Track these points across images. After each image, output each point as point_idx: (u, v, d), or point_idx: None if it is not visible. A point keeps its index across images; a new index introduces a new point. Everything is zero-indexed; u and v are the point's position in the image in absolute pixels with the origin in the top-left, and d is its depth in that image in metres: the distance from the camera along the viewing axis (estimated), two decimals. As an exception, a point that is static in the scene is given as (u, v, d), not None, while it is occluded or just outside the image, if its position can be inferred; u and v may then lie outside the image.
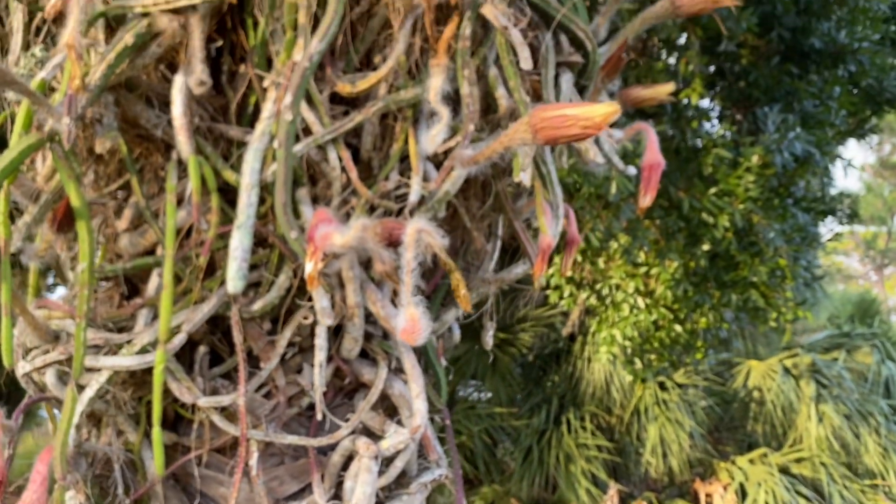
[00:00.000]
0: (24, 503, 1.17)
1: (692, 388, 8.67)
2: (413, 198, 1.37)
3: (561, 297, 6.19)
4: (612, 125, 1.91)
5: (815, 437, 8.30)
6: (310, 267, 1.09)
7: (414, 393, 1.48)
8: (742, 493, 8.30)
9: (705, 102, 5.48)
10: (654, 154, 1.70)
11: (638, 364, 6.54)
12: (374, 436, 1.49)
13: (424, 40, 1.32)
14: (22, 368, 1.42)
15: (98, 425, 1.50)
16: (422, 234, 1.07)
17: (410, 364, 1.51)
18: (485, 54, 1.44)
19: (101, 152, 1.26)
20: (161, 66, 1.30)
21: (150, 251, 1.40)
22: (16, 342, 1.45)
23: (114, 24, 1.27)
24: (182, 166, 1.28)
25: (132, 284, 1.49)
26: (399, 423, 1.50)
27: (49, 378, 1.39)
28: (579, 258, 6.00)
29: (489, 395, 9.40)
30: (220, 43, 1.34)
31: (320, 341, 1.38)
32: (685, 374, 8.76)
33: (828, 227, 7.93)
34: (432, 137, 1.31)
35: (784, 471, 8.29)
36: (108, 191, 1.42)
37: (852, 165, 5.86)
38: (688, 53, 4.46)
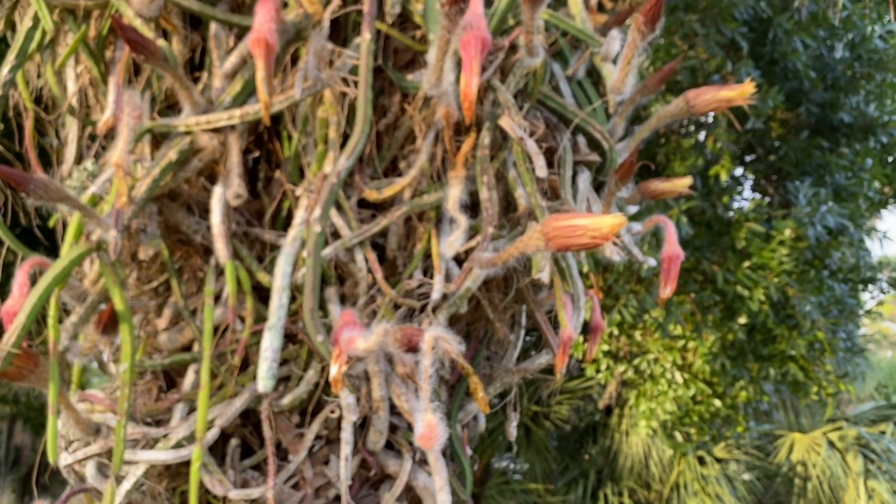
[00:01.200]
0: None
1: (733, 462, 8.43)
2: (435, 296, 1.43)
3: (598, 371, 6.16)
4: (632, 218, 1.97)
5: (865, 518, 7.98)
6: (334, 370, 1.15)
7: (438, 485, 1.51)
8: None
9: (737, 174, 5.52)
10: (672, 246, 1.75)
11: (678, 437, 6.42)
12: (399, 528, 1.52)
13: (445, 150, 1.40)
14: (64, 460, 1.49)
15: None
16: (439, 342, 1.13)
17: (434, 456, 1.54)
18: (504, 157, 1.52)
19: (144, 258, 1.36)
20: (201, 178, 1.40)
21: (188, 347, 1.48)
22: (58, 434, 1.53)
23: (159, 138, 1.39)
24: (219, 269, 1.37)
25: (169, 378, 1.56)
26: (423, 515, 1.53)
27: (89, 470, 1.46)
28: (615, 331, 5.99)
29: (525, 466, 9.24)
30: (256, 154, 1.44)
31: (346, 435, 1.43)
32: (725, 447, 8.54)
33: (871, 296, 7.79)
34: (451, 243, 1.38)
35: (834, 552, 7.94)
36: (148, 289, 1.51)
37: (888, 237, 5.81)
38: (715, 131, 4.53)
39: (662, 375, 5.89)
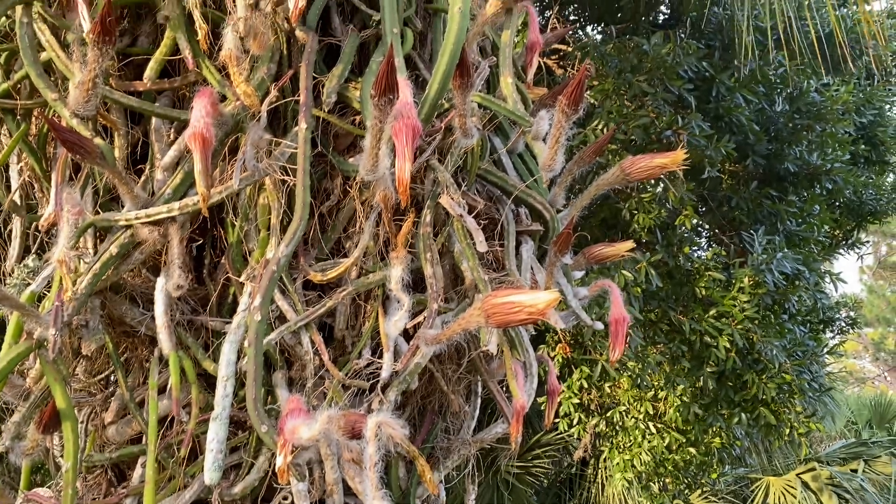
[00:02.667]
0: None
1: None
2: (384, 374, 1.44)
3: (570, 425, 6.13)
4: (580, 283, 2.01)
5: (842, 556, 7.97)
6: (280, 460, 1.14)
7: (396, 567, 1.49)
8: None
9: (693, 225, 5.65)
10: (618, 309, 1.78)
11: (654, 488, 6.39)
12: None
13: (388, 232, 1.43)
14: (8, 564, 1.44)
15: None
16: (382, 427, 1.13)
17: (391, 538, 1.52)
18: (448, 232, 1.56)
19: (86, 353, 1.35)
20: (144, 269, 1.41)
21: (137, 439, 1.46)
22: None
23: (102, 232, 1.39)
24: (164, 360, 1.36)
25: (119, 470, 1.54)
26: None
27: (34, 574, 1.41)
28: (585, 384, 6.00)
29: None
30: (200, 241, 1.46)
31: (300, 521, 1.41)
32: (702, 495, 8.50)
33: (832, 335, 7.94)
34: (395, 323, 1.39)
35: None
36: (95, 382, 1.50)
37: (840, 279, 5.95)
38: (674, 183, 4.65)
39: (636, 427, 5.90)
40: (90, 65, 1.21)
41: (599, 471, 8.58)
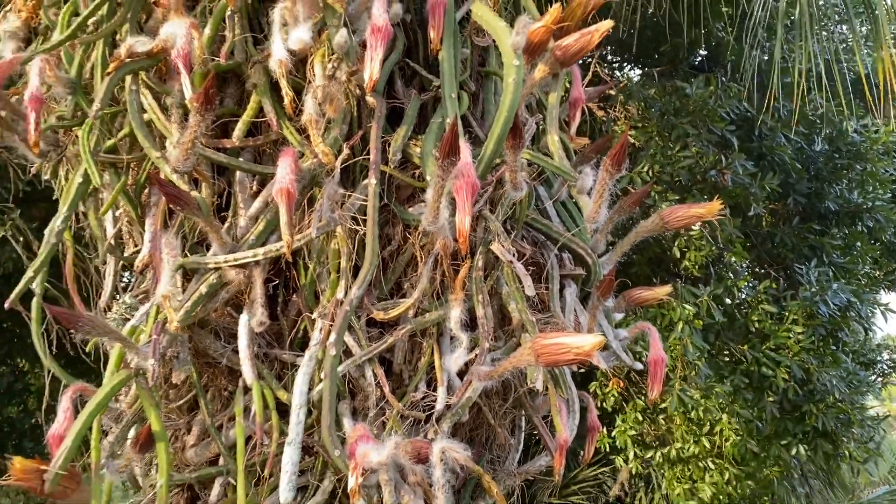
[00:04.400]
0: None
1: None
2: (439, 406, 1.57)
3: (626, 460, 6.10)
4: (618, 325, 2.13)
5: None
6: (352, 482, 1.28)
7: (447, 587, 1.61)
8: None
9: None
10: (657, 351, 1.89)
11: None
12: None
13: (444, 275, 1.58)
14: (97, 572, 1.59)
15: None
16: (446, 452, 1.27)
17: (443, 559, 1.64)
18: (497, 276, 1.69)
19: (176, 382, 1.51)
20: (227, 307, 1.57)
21: (213, 461, 1.61)
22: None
23: (189, 272, 1.56)
24: (246, 389, 1.52)
25: (193, 491, 1.69)
26: None
27: (121, 581, 1.56)
28: (640, 417, 6.03)
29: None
30: (276, 282, 1.62)
31: (360, 540, 1.54)
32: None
33: (875, 376, 7.84)
34: (455, 359, 1.53)
35: None
36: (176, 408, 1.66)
37: (890, 310, 5.93)
38: (722, 222, 4.75)
39: (694, 462, 5.86)
40: (191, 128, 1.39)
41: (634, 512, 8.50)
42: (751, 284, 5.39)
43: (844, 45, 5.59)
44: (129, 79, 1.52)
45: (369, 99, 1.54)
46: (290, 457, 1.40)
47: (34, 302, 1.62)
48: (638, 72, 7.52)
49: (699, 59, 6.42)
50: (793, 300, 4.89)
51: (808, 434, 5.09)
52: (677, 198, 4.99)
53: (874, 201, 5.29)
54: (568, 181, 1.68)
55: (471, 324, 1.65)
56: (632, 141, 5.38)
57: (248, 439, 1.53)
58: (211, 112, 1.37)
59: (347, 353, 1.58)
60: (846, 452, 5.15)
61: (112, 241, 1.70)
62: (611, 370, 5.41)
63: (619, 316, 2.11)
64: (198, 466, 1.62)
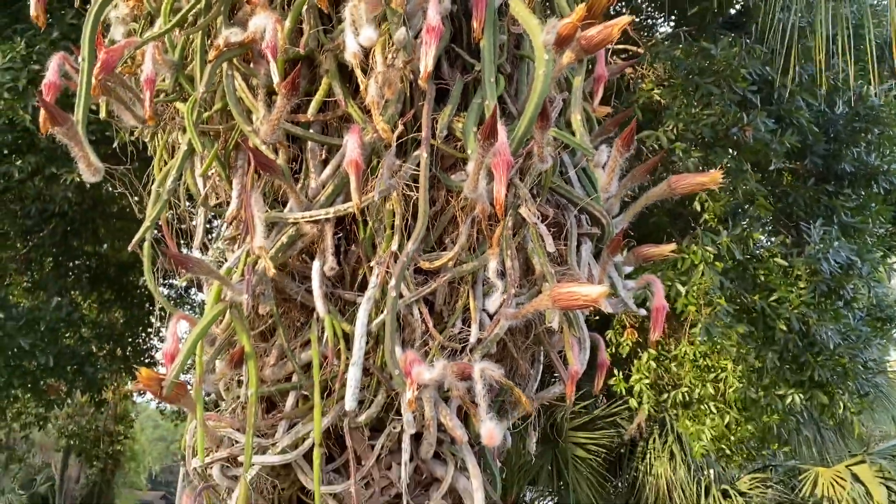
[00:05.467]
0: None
1: (757, 497, 8.65)
2: (472, 340, 1.92)
3: (639, 403, 6.47)
4: (627, 277, 2.45)
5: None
6: (409, 394, 1.64)
7: (475, 486, 1.98)
8: None
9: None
10: (659, 299, 2.21)
11: (727, 451, 6.66)
12: (445, 519, 1.99)
13: (479, 231, 1.90)
14: (193, 464, 1.99)
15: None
16: (485, 371, 1.62)
17: (472, 464, 2.01)
18: (524, 234, 2.02)
19: (261, 313, 1.87)
20: (302, 254, 1.91)
21: (287, 378, 1.98)
22: (187, 445, 2.04)
23: (270, 225, 1.90)
24: (317, 320, 1.87)
25: (270, 402, 2.06)
26: (463, 509, 1.99)
27: (214, 471, 1.95)
28: (653, 364, 6.39)
29: (554, 501, 9.53)
30: (340, 234, 1.96)
31: (405, 445, 1.91)
32: (749, 482, 8.76)
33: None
34: (493, 302, 1.87)
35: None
36: (256, 334, 2.03)
37: (894, 269, 6.14)
38: (744, 176, 4.98)
39: (699, 406, 6.21)
40: (279, 108, 1.71)
41: (649, 452, 8.93)
42: (764, 239, 5.63)
43: (874, 8, 5.70)
44: (224, 64, 1.83)
45: (421, 83, 1.84)
46: (354, 375, 1.76)
47: (145, 246, 1.97)
48: (669, 25, 7.62)
49: (729, 19, 6.54)
50: (798, 257, 5.15)
51: (804, 384, 5.40)
52: (700, 154, 5.21)
53: (890, 164, 5.47)
54: (587, 156, 1.98)
55: (500, 273, 1.98)
56: (658, 98, 5.58)
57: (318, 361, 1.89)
58: (295, 96, 1.69)
59: (400, 294, 1.92)
60: (840, 403, 5.46)
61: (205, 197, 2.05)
62: (627, 321, 5.72)
63: (628, 269, 2.43)
64: (274, 382, 1.99)
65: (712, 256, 5.08)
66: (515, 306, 1.95)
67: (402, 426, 1.90)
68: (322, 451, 1.98)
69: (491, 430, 1.56)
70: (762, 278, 5.19)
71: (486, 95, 1.88)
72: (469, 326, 1.95)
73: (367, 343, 1.86)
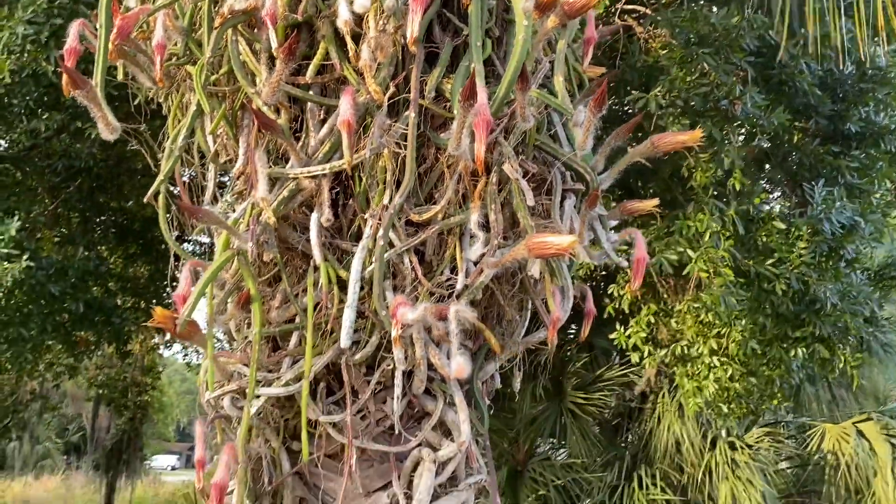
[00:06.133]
0: (217, 478, 1.91)
1: (764, 449, 8.83)
2: (458, 287, 2.09)
3: (641, 358, 6.65)
4: (614, 229, 2.59)
5: (893, 500, 8.33)
6: (394, 332, 1.82)
7: (461, 419, 2.17)
8: (814, 552, 8.36)
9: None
10: (640, 251, 2.36)
11: (724, 409, 6.86)
12: (435, 448, 2.19)
13: (465, 187, 2.06)
14: (207, 396, 2.20)
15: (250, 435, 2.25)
16: (459, 313, 1.79)
17: (459, 399, 2.20)
18: (510, 189, 2.17)
19: (266, 260, 2.05)
20: (302, 207, 2.09)
21: (291, 320, 2.17)
22: (200, 380, 2.25)
23: (273, 180, 2.07)
24: (315, 268, 2.05)
25: (276, 341, 2.26)
26: (451, 440, 2.19)
27: (225, 402, 2.16)
28: (652, 319, 6.55)
29: (566, 452, 9.79)
30: (337, 189, 2.12)
31: (398, 381, 2.10)
32: (756, 436, 8.94)
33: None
34: (474, 251, 2.03)
35: (858, 534, 8.31)
36: (263, 280, 2.21)
37: None
38: (725, 150, 5.04)
39: (700, 360, 6.38)
40: (278, 72, 1.87)
41: (658, 405, 9.13)
42: (765, 202, 5.71)
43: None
44: (230, 30, 1.98)
45: (411, 47, 1.98)
46: (349, 316, 1.94)
47: (160, 198, 2.15)
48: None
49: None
50: (801, 217, 5.24)
51: (806, 339, 5.52)
52: (688, 122, 5.24)
53: (897, 123, 5.50)
54: (567, 115, 2.12)
55: (487, 226, 2.14)
56: (657, 58, 5.59)
57: (316, 305, 2.07)
58: (292, 61, 1.84)
59: (391, 245, 2.09)
60: (841, 357, 5.58)
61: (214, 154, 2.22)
62: (630, 276, 5.85)
63: (613, 222, 2.57)
64: (279, 324, 2.18)
65: (718, 227, 5.18)
66: (500, 256, 2.11)
67: (394, 364, 2.08)
68: (323, 386, 2.19)
69: (460, 364, 1.73)
70: (763, 240, 5.29)
71: (473, 58, 2.02)
72: (457, 275, 2.12)
73: (362, 289, 2.04)
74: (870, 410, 9.58)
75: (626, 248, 2.76)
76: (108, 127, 1.82)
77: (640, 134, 5.73)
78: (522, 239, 2.21)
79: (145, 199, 2.09)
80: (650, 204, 2.51)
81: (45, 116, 6.45)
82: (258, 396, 2.07)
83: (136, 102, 2.45)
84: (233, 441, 2.04)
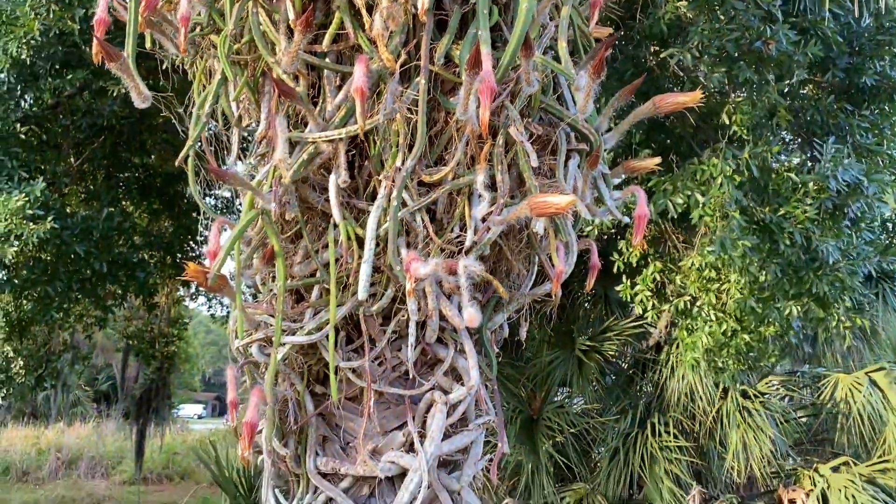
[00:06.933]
0: (248, 418, 2.09)
1: (775, 398, 8.99)
2: (467, 244, 2.23)
3: (644, 310, 6.83)
4: (616, 187, 2.71)
5: (903, 447, 8.47)
6: (408, 286, 1.97)
7: (471, 365, 2.34)
8: (824, 500, 8.58)
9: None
10: (642, 208, 2.48)
11: (718, 364, 7.03)
12: (446, 392, 2.36)
13: (473, 149, 2.19)
14: (236, 344, 2.38)
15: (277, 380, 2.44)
16: (468, 267, 1.94)
17: (469, 347, 2.37)
18: (516, 150, 2.29)
19: (288, 219, 2.20)
20: (321, 169, 2.23)
21: (312, 274, 2.33)
22: (230, 329, 2.43)
23: (293, 144, 2.21)
24: (335, 226, 2.21)
25: (299, 294, 2.43)
26: (461, 384, 2.36)
27: (253, 349, 2.35)
28: (658, 277, 6.68)
29: (580, 399, 10.03)
30: (353, 152, 2.26)
31: (411, 330, 2.27)
32: (767, 384, 9.11)
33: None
34: (480, 210, 2.17)
35: (869, 481, 8.50)
36: (285, 237, 2.37)
37: None
38: (766, 90, 5.07)
39: (699, 314, 6.53)
40: (296, 43, 1.99)
41: (671, 356, 9.29)
42: (784, 156, 5.74)
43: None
44: (250, 2, 2.10)
45: (422, 17, 2.09)
46: (365, 271, 2.10)
47: (189, 160, 2.31)
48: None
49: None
50: (809, 174, 5.29)
51: (802, 297, 5.61)
52: (724, 69, 5.29)
53: (917, 78, 5.47)
54: (569, 80, 2.23)
55: (494, 186, 2.27)
56: (685, 12, 5.61)
57: (335, 260, 2.23)
58: (309, 31, 1.97)
59: (405, 204, 2.23)
60: (835, 316, 5.67)
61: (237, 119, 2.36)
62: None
63: (616, 180, 2.69)
64: (301, 278, 2.34)
65: (731, 170, 5.24)
66: (505, 214, 2.25)
67: (408, 314, 2.25)
68: (343, 335, 2.37)
69: (471, 314, 1.89)
70: (774, 189, 5.35)
71: (479, 26, 2.12)
72: (466, 232, 2.26)
73: (377, 245, 2.19)
74: (884, 362, 9.69)
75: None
76: (140, 96, 1.97)
77: (675, 89, 5.79)
78: (527, 198, 2.36)
79: (177, 163, 2.24)
80: (652, 163, 2.63)
81: (69, 76, 6.59)
82: (283, 344, 2.25)
83: (163, 67, 2.58)
84: (261, 385, 2.22)
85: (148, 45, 2.35)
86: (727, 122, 5.62)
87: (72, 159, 8.55)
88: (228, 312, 12.00)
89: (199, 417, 39.52)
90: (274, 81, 2.00)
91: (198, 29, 2.26)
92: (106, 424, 22.24)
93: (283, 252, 2.12)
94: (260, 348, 2.35)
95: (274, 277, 2.35)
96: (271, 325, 2.31)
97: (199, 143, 2.37)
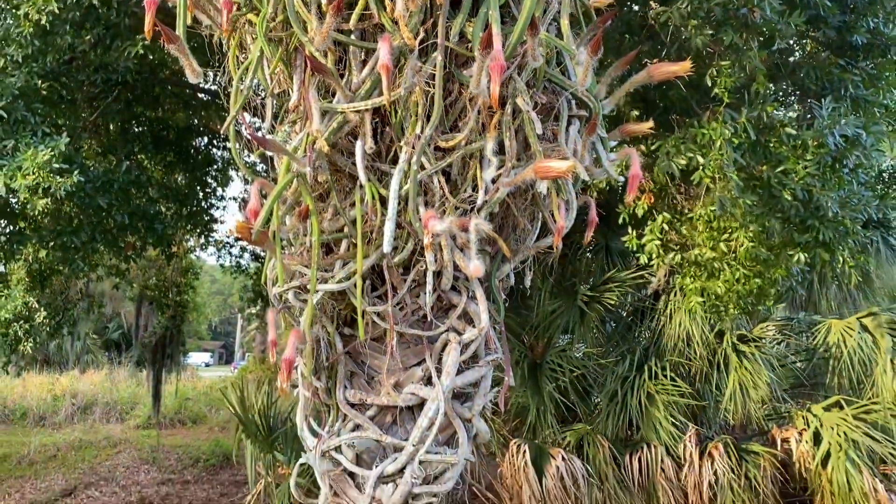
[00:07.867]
0: (287, 355, 2.41)
1: (771, 342, 9.32)
2: (479, 202, 2.52)
3: (649, 259, 7.10)
4: (612, 150, 2.98)
5: (890, 389, 8.85)
6: (426, 239, 2.27)
7: (481, 309, 2.65)
8: (817, 438, 8.98)
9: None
10: (635, 169, 2.75)
11: (720, 309, 7.34)
12: (459, 333, 2.68)
13: (485, 118, 2.45)
14: (275, 290, 2.69)
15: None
16: (477, 224, 2.23)
17: (479, 294, 2.68)
18: (522, 118, 2.55)
19: (320, 181, 2.49)
20: (348, 136, 2.50)
21: (340, 230, 2.63)
22: (269, 277, 2.74)
23: (323, 113, 2.48)
24: (360, 186, 2.49)
25: (328, 247, 2.73)
26: (473, 326, 2.68)
27: (290, 295, 2.66)
28: (666, 227, 6.96)
29: (582, 345, 10.39)
30: (377, 120, 2.53)
31: (429, 279, 2.57)
32: (762, 329, 9.46)
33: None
34: (490, 173, 2.45)
35: (858, 419, 8.87)
36: (316, 195, 2.66)
37: None
38: (748, 54, 5.26)
39: (711, 262, 6.80)
40: (327, 24, 2.24)
41: (670, 304, 9.62)
42: (779, 113, 5.95)
43: None
44: (285, -13, 2.35)
45: (438, -1, 2.34)
46: (389, 227, 2.39)
47: (231, 129, 2.58)
48: None
49: None
50: (807, 129, 5.51)
51: (808, 243, 5.90)
52: (711, 32, 5.44)
53: (909, 33, 5.64)
54: (570, 56, 2.48)
55: (503, 150, 2.54)
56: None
57: (361, 217, 2.52)
58: (341, 12, 2.22)
59: (423, 167, 2.50)
60: (840, 258, 5.97)
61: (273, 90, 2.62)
62: (646, 187, 6.21)
63: (613, 143, 2.96)
64: (331, 233, 2.64)
65: (730, 133, 5.46)
66: (513, 176, 2.53)
67: (426, 265, 2.55)
68: (368, 283, 2.67)
69: (476, 266, 2.19)
70: (772, 148, 5.57)
71: (490, 6, 2.37)
72: (477, 192, 2.54)
73: (399, 204, 2.47)
74: (876, 308, 9.99)
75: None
76: (193, 73, 2.23)
77: (658, 47, 5.96)
78: (533, 161, 2.63)
79: (221, 132, 2.51)
80: (645, 126, 2.89)
81: (84, 34, 6.77)
82: (317, 291, 2.56)
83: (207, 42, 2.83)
84: (296, 327, 2.54)
85: (188, 20, 2.60)
86: (710, 84, 5.80)
87: (86, 114, 8.76)
88: (238, 263, 12.36)
89: (207, 365, 40.40)
90: (308, 58, 2.26)
91: (235, 9, 2.51)
92: (118, 372, 22.86)
93: (316, 210, 2.41)
94: (295, 294, 2.66)
95: (305, 232, 2.65)
96: (305, 275, 2.61)
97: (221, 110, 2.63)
